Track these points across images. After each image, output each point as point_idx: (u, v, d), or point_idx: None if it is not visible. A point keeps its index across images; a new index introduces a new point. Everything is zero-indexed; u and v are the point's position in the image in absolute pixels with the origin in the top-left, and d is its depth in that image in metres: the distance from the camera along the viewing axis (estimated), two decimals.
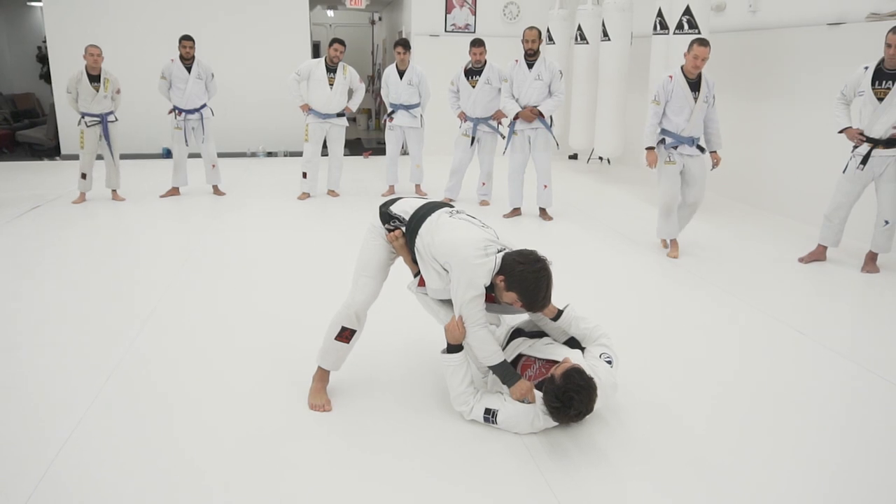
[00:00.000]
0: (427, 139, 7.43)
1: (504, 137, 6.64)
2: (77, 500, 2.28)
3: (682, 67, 4.90)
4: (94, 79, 6.60)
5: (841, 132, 4.82)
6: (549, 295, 2.61)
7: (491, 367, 2.74)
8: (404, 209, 2.82)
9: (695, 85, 4.86)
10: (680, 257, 5.11)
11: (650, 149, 5.07)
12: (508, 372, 2.72)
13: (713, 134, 5.02)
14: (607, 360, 2.75)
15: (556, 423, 2.64)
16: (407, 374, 3.20)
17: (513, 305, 2.66)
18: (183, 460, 2.50)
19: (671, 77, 4.93)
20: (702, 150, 5.03)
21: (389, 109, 7.24)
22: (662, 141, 5.05)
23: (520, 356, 2.86)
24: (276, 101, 9.92)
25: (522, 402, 2.67)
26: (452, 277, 2.64)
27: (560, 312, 2.83)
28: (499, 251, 2.63)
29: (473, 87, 6.59)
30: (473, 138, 6.70)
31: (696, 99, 4.86)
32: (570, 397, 2.44)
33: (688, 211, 5.21)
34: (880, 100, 4.53)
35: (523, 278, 2.53)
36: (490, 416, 2.68)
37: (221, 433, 2.69)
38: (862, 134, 4.67)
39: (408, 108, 7.12)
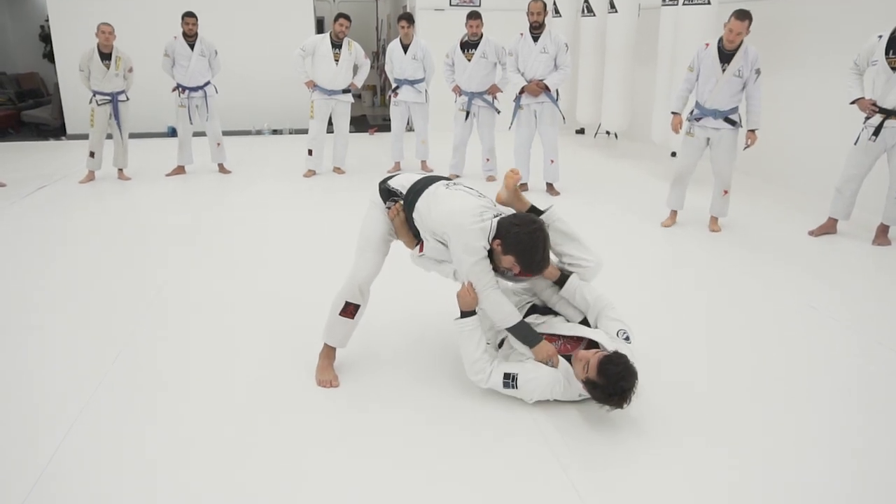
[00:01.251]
0: (432, 115, 7.36)
1: (499, 112, 6.60)
2: (86, 478, 2.30)
3: (721, 37, 4.78)
4: (106, 57, 6.56)
5: (853, 103, 4.74)
6: (546, 256, 2.59)
7: (510, 330, 2.70)
8: (402, 183, 2.84)
9: (728, 56, 4.73)
10: (688, 230, 5.08)
11: (675, 114, 5.07)
12: (529, 332, 2.68)
13: (751, 111, 4.81)
14: (625, 336, 2.74)
15: (570, 399, 2.65)
16: (414, 348, 3.20)
17: (512, 271, 2.64)
18: (188, 439, 2.51)
19: (707, 45, 4.84)
20: (732, 123, 4.87)
21: (394, 85, 7.18)
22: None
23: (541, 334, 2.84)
24: (280, 78, 9.84)
25: (547, 364, 2.65)
26: (451, 248, 2.64)
27: (564, 279, 2.80)
28: (495, 216, 2.63)
29: (469, 60, 6.52)
30: (468, 113, 6.65)
31: (724, 70, 4.74)
32: (622, 388, 2.42)
33: (715, 188, 5.07)
34: (894, 69, 4.45)
35: (519, 240, 2.52)
36: (510, 380, 2.64)
37: (229, 409, 2.70)
38: (875, 104, 4.59)
39: (412, 83, 7.05)
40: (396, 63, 7.04)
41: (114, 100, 6.68)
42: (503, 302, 2.67)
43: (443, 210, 2.65)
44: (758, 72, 4.74)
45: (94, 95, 6.65)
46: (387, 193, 2.85)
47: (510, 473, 2.33)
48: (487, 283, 2.64)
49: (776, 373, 3.02)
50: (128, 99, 6.81)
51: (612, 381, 2.42)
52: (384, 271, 2.92)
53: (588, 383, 2.50)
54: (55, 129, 10.34)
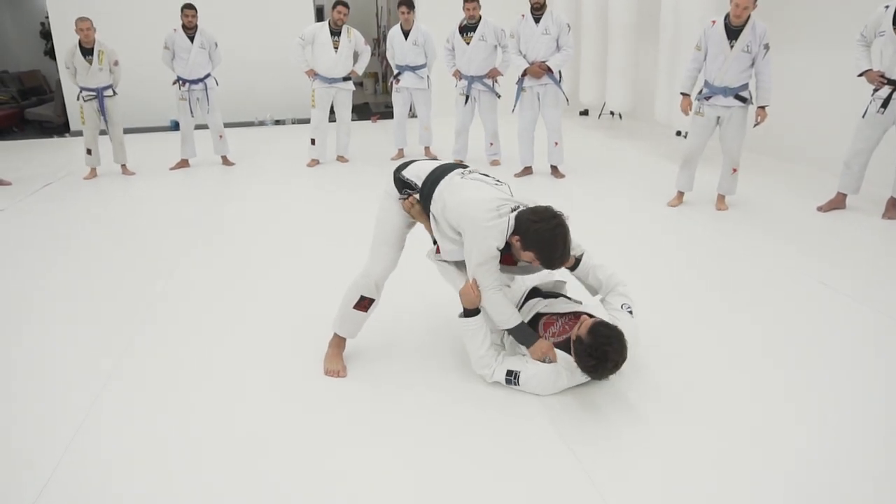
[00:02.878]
0: (434, 101, 7.31)
1: (500, 96, 6.55)
2: (99, 475, 2.31)
3: (727, 13, 4.70)
4: (88, 52, 6.50)
5: (861, 75, 4.67)
6: (567, 251, 2.56)
7: (508, 331, 2.72)
8: (417, 174, 2.78)
9: (735, 33, 4.65)
10: (695, 210, 5.04)
11: (684, 95, 5.00)
12: (526, 333, 2.69)
13: (760, 87, 4.73)
14: (629, 310, 2.73)
15: (577, 383, 2.64)
16: (423, 339, 3.19)
17: (532, 264, 2.63)
18: (198, 431, 2.52)
19: (713, 22, 4.77)
20: (742, 100, 4.80)
21: (395, 71, 7.14)
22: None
23: (541, 315, 2.83)
24: (281, 69, 9.80)
25: (544, 361, 2.65)
26: (465, 240, 2.60)
27: (578, 261, 2.80)
28: (513, 210, 2.58)
29: (468, 43, 6.46)
30: (468, 97, 6.60)
31: (732, 47, 4.67)
32: (603, 351, 2.41)
33: (723, 166, 5.02)
34: None
35: (539, 237, 2.48)
36: (512, 377, 2.65)
37: (238, 401, 2.71)
38: (883, 76, 4.53)
39: (414, 69, 7.00)
40: (397, 49, 6.99)
41: (99, 95, 6.62)
42: (504, 304, 2.66)
43: (458, 201, 2.60)
44: (766, 47, 4.66)
45: (81, 92, 6.61)
46: (401, 184, 2.80)
47: (518, 452, 2.33)
48: (490, 285, 2.62)
49: (786, 349, 2.99)
50: (115, 94, 6.73)
51: (598, 342, 2.41)
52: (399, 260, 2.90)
53: (576, 341, 2.48)
54: (58, 127, 10.35)
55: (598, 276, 2.82)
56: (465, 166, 2.85)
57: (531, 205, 2.63)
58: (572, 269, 2.82)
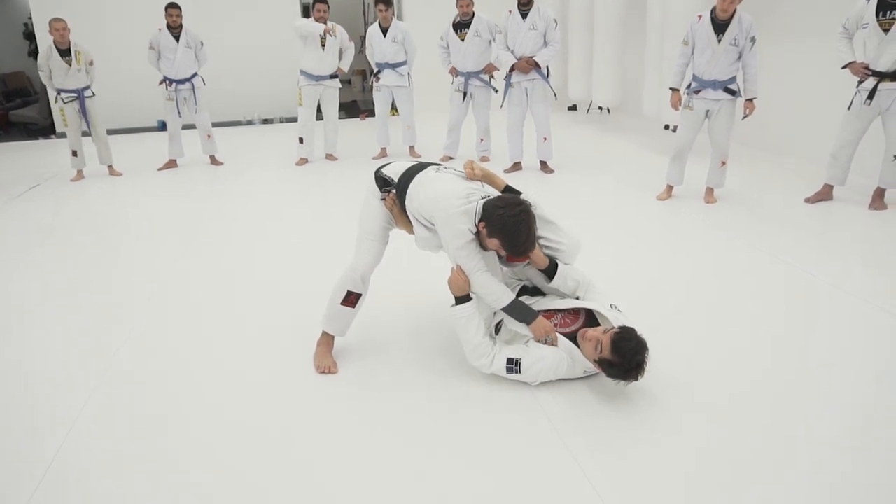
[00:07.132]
0: (420, 97, 7.28)
1: (497, 91, 6.55)
2: (96, 467, 2.30)
3: (713, 7, 4.72)
4: (65, 53, 6.43)
5: (845, 67, 4.70)
6: (531, 239, 2.54)
7: (504, 310, 2.69)
8: (395, 171, 2.84)
9: (722, 26, 4.67)
10: (684, 203, 5.06)
11: (673, 90, 5.03)
12: (524, 310, 2.68)
13: (748, 80, 4.76)
14: (617, 309, 2.74)
15: (577, 376, 2.65)
16: (415, 334, 3.18)
17: (500, 254, 2.63)
18: (192, 430, 2.51)
19: (699, 17, 4.79)
20: (732, 93, 4.82)
21: (375, 69, 7.12)
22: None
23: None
24: (268, 67, 9.77)
25: (545, 341, 2.64)
26: (439, 231, 2.63)
27: (553, 267, 2.79)
28: (482, 198, 2.61)
29: (462, 40, 6.46)
30: (465, 93, 6.60)
31: (719, 41, 4.69)
32: (637, 363, 2.43)
33: (712, 159, 5.06)
34: (886, 31, 4.40)
35: (503, 223, 2.48)
36: (514, 365, 2.63)
37: (231, 400, 2.69)
38: (867, 68, 4.55)
39: (394, 66, 6.98)
40: (377, 47, 6.98)
41: (80, 96, 6.55)
42: (492, 283, 2.66)
43: (429, 194, 2.64)
44: (752, 40, 4.67)
45: (59, 94, 6.54)
46: (382, 182, 2.85)
47: (514, 449, 2.33)
48: (475, 267, 2.62)
49: (776, 341, 3.01)
50: (94, 94, 6.67)
51: (628, 358, 2.42)
52: (385, 256, 2.91)
53: (603, 362, 2.49)
54: (44, 128, 10.26)
55: (574, 277, 2.83)
56: (439, 164, 2.88)
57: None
58: (547, 274, 2.81)
